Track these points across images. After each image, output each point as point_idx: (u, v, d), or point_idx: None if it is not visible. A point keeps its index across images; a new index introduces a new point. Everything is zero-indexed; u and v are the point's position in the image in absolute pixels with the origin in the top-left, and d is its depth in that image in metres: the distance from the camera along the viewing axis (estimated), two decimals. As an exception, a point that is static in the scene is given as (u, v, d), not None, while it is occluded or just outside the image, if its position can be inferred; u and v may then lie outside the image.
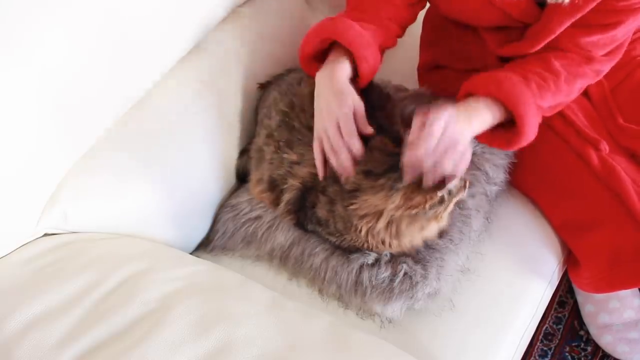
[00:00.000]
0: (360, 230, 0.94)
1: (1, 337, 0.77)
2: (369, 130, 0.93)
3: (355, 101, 0.94)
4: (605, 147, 1.08)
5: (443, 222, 0.97)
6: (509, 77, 0.97)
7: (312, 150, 0.98)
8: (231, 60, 1.16)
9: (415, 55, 1.36)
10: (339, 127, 0.92)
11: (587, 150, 1.09)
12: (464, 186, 0.92)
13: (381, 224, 0.92)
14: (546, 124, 1.13)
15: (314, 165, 0.98)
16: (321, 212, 0.98)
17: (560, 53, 1.03)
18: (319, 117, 0.96)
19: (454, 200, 0.92)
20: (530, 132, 0.98)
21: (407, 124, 1.03)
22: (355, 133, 0.92)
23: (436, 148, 0.86)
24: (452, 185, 0.88)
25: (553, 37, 1.03)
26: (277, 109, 1.08)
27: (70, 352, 0.75)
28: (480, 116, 0.96)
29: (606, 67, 1.07)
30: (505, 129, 1.00)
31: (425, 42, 1.35)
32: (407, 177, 0.88)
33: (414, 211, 0.89)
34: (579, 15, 0.99)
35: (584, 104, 1.15)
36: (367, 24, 1.02)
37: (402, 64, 1.39)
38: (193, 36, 1.09)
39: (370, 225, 0.93)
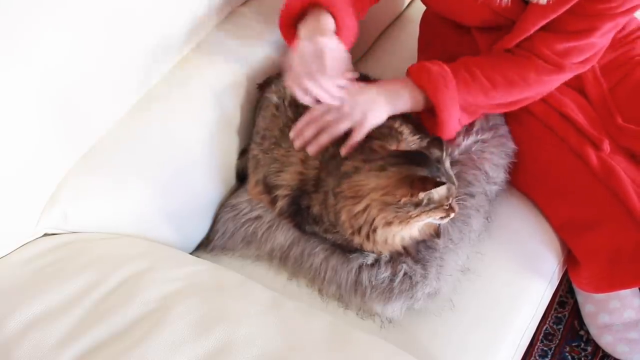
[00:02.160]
0: (341, 215, 0.94)
1: (1, 337, 0.77)
2: (350, 75, 0.95)
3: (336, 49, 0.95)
4: (607, 146, 1.08)
5: (411, 230, 0.95)
6: (438, 71, 1.05)
7: (294, 153, 1.00)
8: (231, 60, 1.16)
9: (414, 55, 1.36)
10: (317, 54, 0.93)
11: (587, 150, 1.09)
12: (447, 213, 0.92)
13: (360, 206, 0.92)
14: (545, 125, 1.13)
15: (300, 169, 0.99)
16: (315, 208, 0.98)
17: (529, 62, 1.06)
18: (295, 64, 0.95)
19: (430, 214, 0.91)
20: (449, 124, 1.05)
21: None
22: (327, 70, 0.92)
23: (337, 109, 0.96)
24: (436, 193, 0.88)
25: (527, 35, 1.05)
26: (269, 104, 1.09)
27: (70, 352, 0.76)
28: (402, 101, 1.04)
29: (574, 73, 1.09)
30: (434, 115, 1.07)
31: (422, 45, 1.36)
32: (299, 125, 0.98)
33: (388, 198, 0.89)
34: (552, 16, 1.01)
35: (583, 104, 1.15)
36: None
37: (401, 64, 1.39)
38: (193, 36, 1.09)
39: (348, 207, 0.93)
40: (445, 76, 1.05)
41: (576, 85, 1.15)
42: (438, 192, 0.89)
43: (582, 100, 1.15)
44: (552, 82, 1.09)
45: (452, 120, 1.05)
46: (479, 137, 1.11)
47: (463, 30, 1.21)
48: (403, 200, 0.88)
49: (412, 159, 0.92)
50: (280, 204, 1.03)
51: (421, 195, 0.87)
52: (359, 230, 0.94)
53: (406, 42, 1.46)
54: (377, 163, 0.92)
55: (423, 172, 0.90)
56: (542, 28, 1.04)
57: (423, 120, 1.10)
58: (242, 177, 1.15)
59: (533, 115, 1.14)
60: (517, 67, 1.06)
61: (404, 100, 1.05)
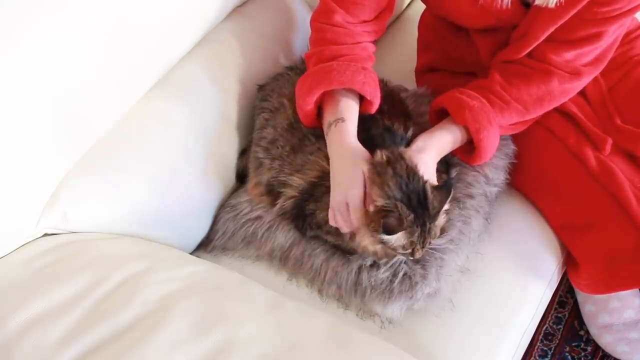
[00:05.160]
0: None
1: (1, 337, 0.77)
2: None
3: (365, 169, 0.94)
4: (609, 146, 1.08)
5: (363, 241, 0.94)
6: (480, 107, 1.03)
7: (315, 159, 1.00)
8: (231, 59, 1.16)
9: (414, 55, 1.36)
10: (348, 206, 0.92)
11: (585, 151, 1.08)
12: (406, 255, 0.92)
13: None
14: (545, 127, 1.13)
15: (315, 176, 1.00)
16: (321, 215, 0.98)
17: (549, 76, 1.05)
18: (335, 190, 0.95)
19: (387, 248, 0.91)
20: (489, 155, 1.05)
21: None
22: (360, 212, 0.91)
23: None
24: (393, 239, 0.88)
25: (536, 43, 1.04)
26: (285, 114, 1.08)
27: (70, 352, 0.75)
28: (446, 148, 1.04)
29: (592, 77, 1.09)
30: (468, 145, 1.07)
31: (421, 46, 1.36)
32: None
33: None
34: (560, 22, 1.00)
35: (582, 105, 1.15)
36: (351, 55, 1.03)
37: (401, 64, 1.40)
38: (194, 36, 1.09)
39: None
40: (487, 111, 1.03)
41: None
42: (396, 239, 0.89)
43: (581, 100, 1.15)
44: (574, 90, 1.08)
45: (493, 151, 1.06)
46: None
47: (462, 31, 1.21)
48: (373, 223, 0.89)
49: (410, 197, 0.90)
50: (284, 203, 1.03)
51: (380, 231, 0.88)
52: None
53: (406, 42, 1.46)
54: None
55: (406, 213, 0.88)
56: (549, 38, 1.03)
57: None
58: (242, 177, 1.15)
59: None
60: (540, 82, 1.05)
61: (449, 147, 1.04)
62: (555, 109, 1.13)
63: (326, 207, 0.96)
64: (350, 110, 1.00)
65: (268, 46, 1.22)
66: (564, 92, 1.06)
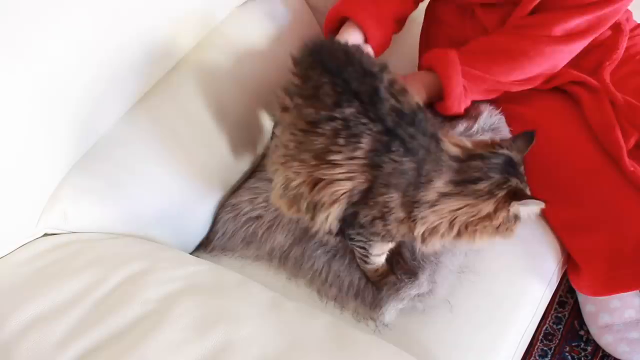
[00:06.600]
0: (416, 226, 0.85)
1: (1, 337, 0.77)
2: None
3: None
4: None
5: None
6: (441, 48, 1.15)
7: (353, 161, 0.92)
8: (231, 59, 1.16)
9: (414, 55, 1.36)
10: None
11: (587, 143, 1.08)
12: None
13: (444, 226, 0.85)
14: (545, 125, 1.13)
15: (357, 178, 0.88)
16: (365, 218, 0.87)
17: (528, 39, 1.09)
18: None
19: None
20: (454, 90, 1.11)
21: None
22: None
23: None
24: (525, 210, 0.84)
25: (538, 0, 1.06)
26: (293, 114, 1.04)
27: (70, 352, 0.75)
28: (424, 90, 1.14)
29: (582, 44, 1.10)
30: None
31: (424, 43, 1.35)
32: None
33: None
34: None
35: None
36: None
37: (401, 64, 1.39)
38: (194, 36, 1.09)
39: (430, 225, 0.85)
40: (445, 49, 1.13)
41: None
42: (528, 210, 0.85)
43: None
44: (556, 54, 1.09)
45: (455, 84, 1.09)
46: (479, 138, 1.11)
47: (467, 13, 1.20)
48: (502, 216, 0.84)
49: (507, 170, 0.85)
50: (333, 216, 0.89)
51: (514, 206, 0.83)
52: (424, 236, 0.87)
53: (406, 42, 1.45)
54: (479, 188, 0.84)
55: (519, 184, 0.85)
56: (560, 5, 1.05)
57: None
58: None
59: (533, 111, 1.14)
60: (514, 42, 1.09)
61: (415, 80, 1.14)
62: (556, 105, 1.13)
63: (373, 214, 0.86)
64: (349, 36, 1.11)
65: (268, 46, 1.22)
66: (542, 54, 1.08)
